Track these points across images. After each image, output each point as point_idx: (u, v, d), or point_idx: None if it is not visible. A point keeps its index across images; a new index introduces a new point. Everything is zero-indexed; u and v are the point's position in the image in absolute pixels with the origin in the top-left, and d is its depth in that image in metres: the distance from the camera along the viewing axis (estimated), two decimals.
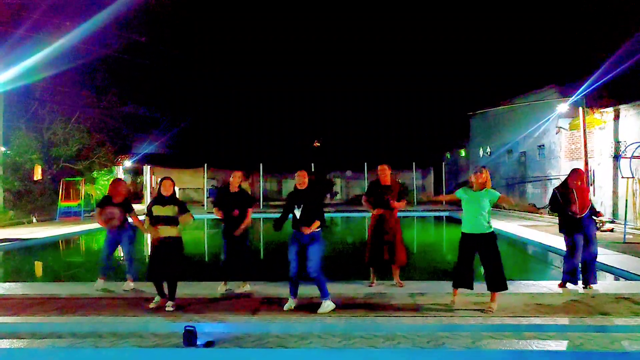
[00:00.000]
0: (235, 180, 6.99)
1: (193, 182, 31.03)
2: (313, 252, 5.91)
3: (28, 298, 6.67)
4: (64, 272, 10.01)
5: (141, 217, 6.94)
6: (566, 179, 7.03)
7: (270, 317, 5.60)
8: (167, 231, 6.05)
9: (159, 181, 6.27)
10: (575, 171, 7.03)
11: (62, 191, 20.46)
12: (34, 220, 18.90)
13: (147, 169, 30.36)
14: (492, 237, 5.93)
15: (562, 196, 6.93)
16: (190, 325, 4.81)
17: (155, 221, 6.06)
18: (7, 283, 7.86)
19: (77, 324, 5.47)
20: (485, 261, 5.90)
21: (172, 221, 6.08)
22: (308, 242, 5.92)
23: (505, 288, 5.86)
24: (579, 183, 6.85)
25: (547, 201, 7.67)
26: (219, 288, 6.86)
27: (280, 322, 5.40)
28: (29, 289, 7.34)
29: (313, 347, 4.74)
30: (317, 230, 5.98)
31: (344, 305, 6.01)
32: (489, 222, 5.93)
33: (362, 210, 7.37)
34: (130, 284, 7.13)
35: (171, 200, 6.14)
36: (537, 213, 18.52)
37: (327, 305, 5.84)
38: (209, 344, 4.76)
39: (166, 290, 6.15)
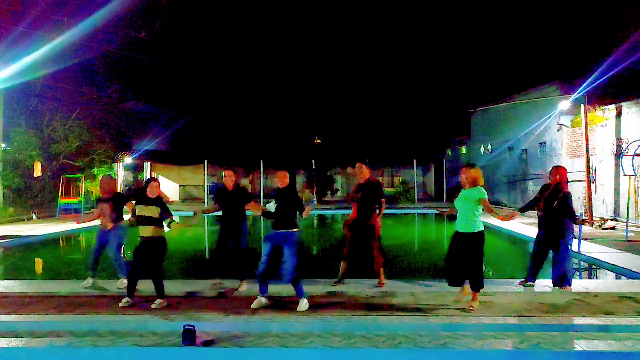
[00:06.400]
0: (227, 180, 6.94)
1: (193, 179, 30.92)
2: (290, 254, 5.83)
3: (27, 296, 6.65)
4: (63, 270, 9.97)
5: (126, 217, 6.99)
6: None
7: (271, 316, 5.56)
8: (148, 231, 6.09)
9: (145, 182, 6.30)
10: (554, 167, 7.01)
11: (62, 188, 20.43)
12: (34, 217, 18.86)
13: (147, 165, 30.33)
14: (477, 237, 5.84)
15: (540, 192, 6.99)
16: (190, 324, 4.78)
17: (138, 221, 6.11)
18: (6, 281, 7.81)
19: (76, 322, 5.44)
20: (468, 260, 5.83)
21: (153, 221, 6.10)
22: (284, 242, 5.86)
23: (481, 288, 5.84)
24: (558, 177, 6.78)
25: None
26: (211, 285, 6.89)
27: (280, 321, 5.36)
28: (28, 286, 7.31)
29: (314, 346, 4.71)
30: (295, 230, 5.93)
31: (344, 304, 5.96)
32: (478, 221, 5.85)
33: None
34: (124, 282, 7.08)
35: (155, 201, 6.16)
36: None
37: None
38: (208, 343, 4.73)
39: (153, 289, 6.14)
